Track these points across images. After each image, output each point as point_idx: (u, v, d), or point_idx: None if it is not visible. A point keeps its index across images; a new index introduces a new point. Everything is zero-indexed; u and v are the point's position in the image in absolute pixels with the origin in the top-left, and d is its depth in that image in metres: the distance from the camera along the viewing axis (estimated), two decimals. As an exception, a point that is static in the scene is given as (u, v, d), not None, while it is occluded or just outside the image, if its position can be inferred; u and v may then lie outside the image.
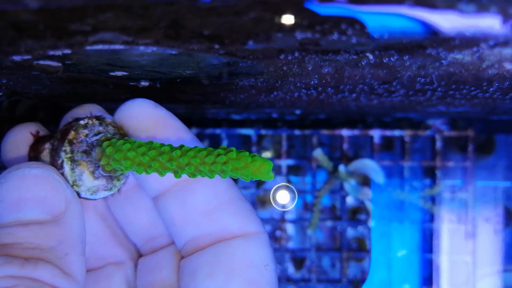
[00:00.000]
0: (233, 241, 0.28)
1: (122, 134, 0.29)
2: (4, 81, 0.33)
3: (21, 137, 0.29)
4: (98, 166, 0.27)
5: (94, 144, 0.27)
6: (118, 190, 0.29)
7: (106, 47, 0.25)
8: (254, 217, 0.29)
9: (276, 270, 0.29)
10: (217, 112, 0.59)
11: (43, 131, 0.30)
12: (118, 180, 0.29)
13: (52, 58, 0.27)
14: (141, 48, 0.25)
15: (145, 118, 0.28)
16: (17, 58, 0.27)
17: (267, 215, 0.65)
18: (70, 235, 0.26)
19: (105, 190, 0.29)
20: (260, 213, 0.65)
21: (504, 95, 0.37)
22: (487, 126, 0.63)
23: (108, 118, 0.29)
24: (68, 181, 0.27)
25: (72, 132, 0.27)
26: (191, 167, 0.25)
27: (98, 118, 0.28)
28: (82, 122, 0.27)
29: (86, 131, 0.27)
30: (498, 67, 0.28)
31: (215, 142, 0.64)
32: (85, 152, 0.27)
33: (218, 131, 0.63)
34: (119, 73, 0.31)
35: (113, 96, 0.41)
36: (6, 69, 0.29)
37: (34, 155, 0.29)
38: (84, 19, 0.21)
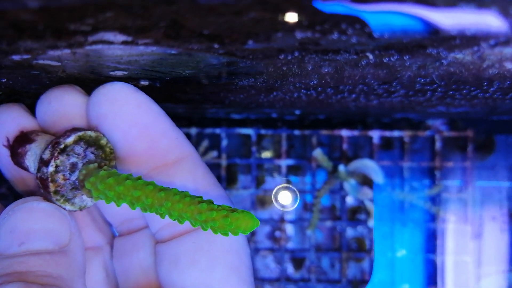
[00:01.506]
0: None
1: (91, 143, 0.28)
2: (4, 80, 0.33)
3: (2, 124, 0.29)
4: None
5: (77, 184, 0.28)
6: None
7: (106, 47, 0.25)
8: (229, 204, 0.29)
9: (251, 255, 0.29)
10: (217, 112, 0.59)
11: (24, 118, 0.29)
12: None
13: (52, 57, 0.27)
14: (141, 48, 0.25)
15: (126, 103, 0.27)
16: (16, 57, 0.26)
17: (267, 215, 0.65)
18: (75, 265, 0.27)
19: None
20: (259, 213, 0.65)
21: (504, 95, 0.37)
22: (487, 126, 0.63)
23: (70, 137, 0.27)
24: (75, 212, 0.28)
25: (51, 184, 0.27)
26: (183, 219, 0.25)
27: (61, 150, 0.27)
28: (51, 168, 0.26)
29: (61, 174, 0.27)
30: (498, 67, 0.28)
31: (214, 142, 0.64)
32: (73, 188, 0.28)
33: (217, 130, 0.63)
34: (119, 73, 0.31)
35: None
36: (6, 68, 0.29)
37: (20, 167, 0.29)
38: (84, 19, 0.21)
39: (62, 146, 0.27)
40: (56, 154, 0.27)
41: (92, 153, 0.28)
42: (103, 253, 0.32)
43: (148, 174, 0.28)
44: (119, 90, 0.28)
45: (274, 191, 0.63)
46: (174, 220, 0.25)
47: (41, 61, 0.27)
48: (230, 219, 0.24)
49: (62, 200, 0.27)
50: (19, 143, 0.29)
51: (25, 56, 0.26)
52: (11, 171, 0.30)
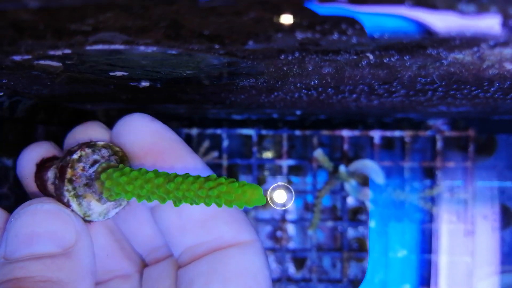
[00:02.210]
0: (228, 250, 0.28)
1: (117, 154, 0.29)
2: (5, 81, 0.33)
3: (32, 160, 0.31)
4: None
5: (93, 177, 0.28)
6: (128, 202, 0.30)
7: (106, 47, 0.25)
8: (248, 226, 0.29)
9: (271, 276, 0.29)
10: (218, 112, 0.59)
11: (52, 151, 0.31)
12: None
13: (52, 58, 0.27)
14: (141, 48, 0.25)
15: (142, 132, 0.29)
16: (17, 58, 0.27)
17: (268, 215, 0.65)
18: (80, 267, 0.27)
19: (115, 208, 0.30)
20: (260, 213, 0.65)
21: (505, 95, 0.37)
22: (488, 126, 0.63)
23: (101, 141, 0.29)
24: (79, 215, 0.28)
25: (69, 170, 0.27)
26: (187, 199, 0.25)
27: (89, 145, 0.28)
28: (75, 156, 0.28)
29: (81, 165, 0.28)
30: (498, 67, 0.28)
31: (215, 142, 0.64)
32: (86, 185, 0.28)
33: (218, 131, 0.63)
34: (120, 73, 0.31)
35: (114, 96, 0.41)
36: (7, 69, 0.29)
37: (40, 183, 0.30)
38: (84, 19, 0.21)
39: (91, 142, 0.28)
40: (83, 146, 0.28)
41: (115, 160, 0.29)
42: (132, 280, 0.32)
43: None
44: (135, 120, 0.30)
45: (269, 191, 0.63)
46: (178, 204, 0.25)
47: (41, 62, 0.27)
48: (239, 185, 0.24)
49: (71, 194, 0.27)
50: (49, 160, 0.30)
51: (26, 57, 0.26)
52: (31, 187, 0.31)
